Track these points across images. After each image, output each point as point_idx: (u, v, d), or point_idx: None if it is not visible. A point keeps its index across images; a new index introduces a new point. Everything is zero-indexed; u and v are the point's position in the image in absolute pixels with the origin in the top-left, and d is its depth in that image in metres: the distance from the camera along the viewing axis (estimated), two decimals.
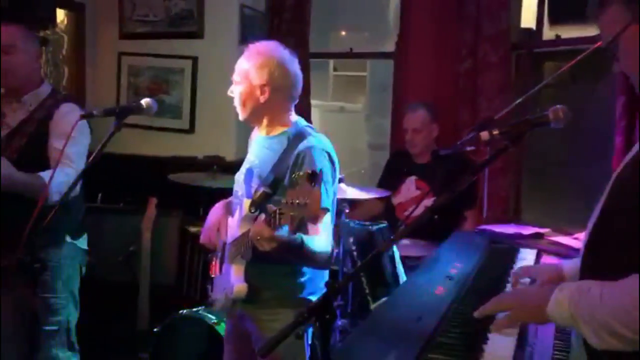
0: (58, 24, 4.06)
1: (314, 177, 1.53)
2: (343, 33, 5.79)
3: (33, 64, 2.51)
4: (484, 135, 1.53)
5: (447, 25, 3.56)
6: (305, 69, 4.09)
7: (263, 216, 1.71)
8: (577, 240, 2.65)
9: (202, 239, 2.19)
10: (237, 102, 2.06)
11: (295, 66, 2.06)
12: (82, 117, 2.23)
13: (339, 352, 1.34)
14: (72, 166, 2.39)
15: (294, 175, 1.60)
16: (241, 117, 2.09)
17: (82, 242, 2.63)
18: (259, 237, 1.71)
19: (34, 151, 2.42)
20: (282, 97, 2.03)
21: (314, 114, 4.55)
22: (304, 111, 3.94)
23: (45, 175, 2.30)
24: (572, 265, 1.55)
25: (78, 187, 2.46)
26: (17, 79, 2.46)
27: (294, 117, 2.10)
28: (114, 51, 4.26)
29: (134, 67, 4.22)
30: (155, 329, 2.88)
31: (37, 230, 2.03)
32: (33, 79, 2.52)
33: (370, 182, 3.58)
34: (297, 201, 1.52)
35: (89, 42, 4.26)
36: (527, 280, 1.62)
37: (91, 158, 2.05)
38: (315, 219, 1.53)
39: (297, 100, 2.10)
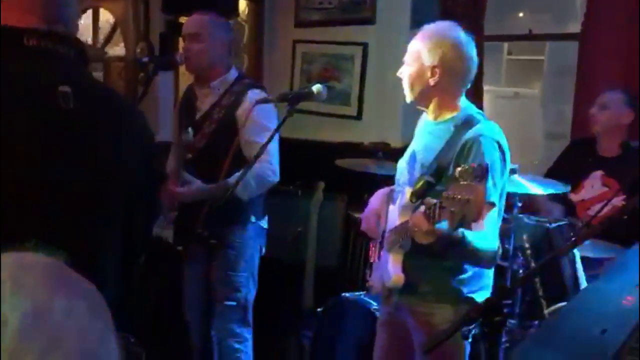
0: (240, 14, 4.32)
1: (481, 172, 1.43)
2: (521, 14, 5.45)
3: (218, 51, 2.58)
4: None
5: None
6: (479, 53, 3.92)
7: (423, 208, 1.65)
8: None
9: (363, 226, 2.19)
10: (405, 84, 2.00)
11: (471, 49, 1.95)
12: (258, 102, 2.33)
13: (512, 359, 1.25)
14: (270, 161, 2.50)
15: (459, 168, 1.51)
16: (408, 99, 2.03)
17: (264, 222, 2.75)
18: (416, 229, 1.66)
19: (222, 138, 2.53)
20: (453, 81, 1.94)
21: (486, 99, 4.34)
22: (476, 96, 3.77)
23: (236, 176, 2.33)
24: None
25: (276, 176, 2.55)
26: (202, 65, 2.58)
27: (463, 102, 1.99)
28: (289, 39, 4.42)
29: (308, 54, 4.34)
30: (319, 309, 2.96)
31: (218, 208, 2.18)
32: (219, 66, 2.61)
33: (543, 174, 3.31)
34: (460, 196, 1.44)
35: (266, 31, 4.46)
36: None
37: (265, 142, 2.14)
38: (478, 218, 1.44)
39: (468, 86, 1.99)
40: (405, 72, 1.99)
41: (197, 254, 2.68)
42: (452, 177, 1.79)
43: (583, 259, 2.51)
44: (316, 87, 2.13)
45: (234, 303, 2.67)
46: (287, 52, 4.43)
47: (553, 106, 5.57)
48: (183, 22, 3.73)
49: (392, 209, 2.07)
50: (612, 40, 3.30)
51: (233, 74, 2.65)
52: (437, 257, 1.85)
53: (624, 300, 1.45)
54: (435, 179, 1.84)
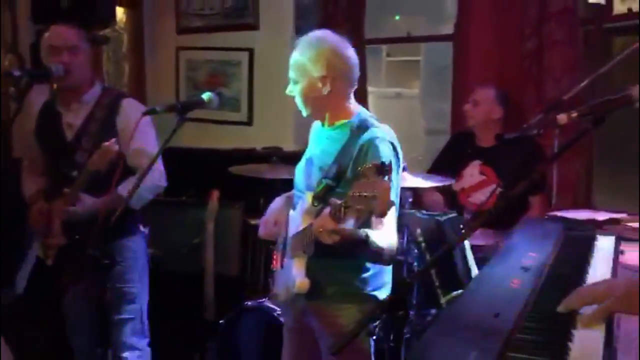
0: (117, 22, 4.14)
1: (383, 169, 1.48)
2: (397, 18, 5.67)
3: (90, 64, 2.58)
4: (562, 118, 1.45)
5: (509, 2, 3.42)
6: (361, 56, 4.05)
7: (327, 209, 1.67)
8: None
9: (260, 233, 2.19)
10: (299, 100, 2.01)
11: (350, 50, 2.01)
12: (145, 113, 2.26)
13: (416, 351, 1.30)
14: (158, 167, 2.48)
15: (360, 167, 1.55)
16: (305, 114, 2.05)
17: (147, 231, 2.71)
18: (321, 230, 1.68)
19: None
20: (344, 86, 1.99)
21: (370, 100, 4.48)
22: (361, 98, 3.87)
23: (126, 185, 2.34)
24: None
25: (160, 175, 2.52)
26: (78, 79, 2.52)
27: (356, 106, 2.05)
28: (172, 46, 4.32)
29: (192, 61, 4.27)
30: (221, 320, 2.91)
31: (109, 225, 2.09)
32: (90, 79, 2.58)
33: (427, 168, 3.48)
34: (366, 194, 1.47)
35: (147, 39, 4.33)
36: None
37: (156, 153, 2.08)
38: (384, 213, 1.48)
39: (356, 86, 2.05)
40: (296, 90, 2.00)
41: (81, 274, 2.56)
42: (351, 179, 1.84)
43: (473, 246, 2.67)
44: (207, 95, 2.10)
45: (132, 315, 2.61)
46: (171, 60, 4.33)
47: (432, 104, 5.83)
48: None
49: (292, 214, 2.07)
50: (483, 40, 3.53)
51: (98, 86, 2.62)
52: (340, 259, 1.88)
53: (511, 283, 1.55)
54: (335, 181, 1.87)
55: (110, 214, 2.12)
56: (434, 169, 3.29)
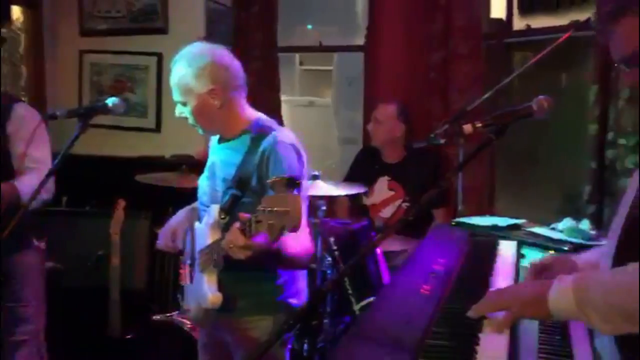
0: (14, 22, 3.89)
1: (293, 182, 1.46)
2: (309, 27, 5.72)
3: None
4: (467, 128, 1.49)
5: (417, 16, 3.54)
6: (273, 64, 4.06)
7: (237, 224, 1.63)
8: (554, 231, 2.64)
9: (158, 244, 2.10)
10: (192, 120, 1.94)
11: (229, 56, 1.96)
12: (46, 118, 2.13)
13: None
14: (44, 170, 2.29)
15: (271, 180, 1.52)
16: (202, 132, 1.99)
17: (44, 244, 2.54)
18: (232, 246, 1.63)
19: None
20: (233, 94, 1.93)
21: (284, 109, 4.47)
22: (274, 107, 3.87)
23: (17, 183, 2.22)
24: (586, 258, 1.52)
25: (52, 189, 2.39)
26: None
27: (252, 113, 2.00)
28: (75, 49, 4.11)
29: (97, 65, 4.08)
30: (128, 336, 2.78)
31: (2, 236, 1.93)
32: None
33: (341, 177, 3.52)
34: (277, 208, 1.44)
35: (47, 40, 4.10)
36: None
37: (57, 160, 1.96)
38: (298, 227, 1.46)
39: (245, 91, 2.00)
40: (187, 111, 1.93)
41: None
42: (257, 187, 1.80)
43: (386, 252, 2.71)
44: (111, 100, 1.99)
45: (25, 337, 2.43)
46: (73, 63, 4.12)
47: (345, 113, 5.93)
48: None
49: (198, 227, 2.00)
50: (392, 52, 3.62)
51: None
52: (251, 270, 1.83)
53: (422, 289, 1.58)
54: (241, 191, 1.83)
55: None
56: (348, 182, 3.34)
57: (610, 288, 1.08)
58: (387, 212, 3.26)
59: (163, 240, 2.08)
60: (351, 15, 5.13)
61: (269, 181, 1.52)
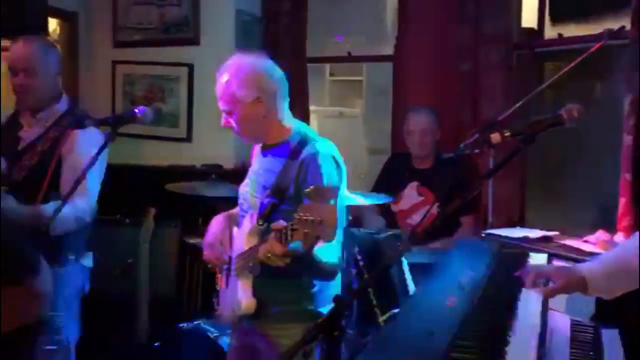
0: (50, 34, 4.00)
1: (328, 192, 1.46)
2: (339, 38, 5.74)
3: (51, 82, 2.40)
4: (495, 137, 1.47)
5: (446, 26, 3.51)
6: (302, 74, 4.07)
7: (273, 234, 1.65)
8: (587, 244, 2.58)
9: (206, 256, 2.08)
10: (239, 130, 1.96)
11: (272, 65, 1.99)
12: (74, 127, 2.17)
13: None
14: (85, 196, 2.29)
15: (308, 189, 1.54)
16: (246, 141, 2.02)
17: (87, 261, 2.55)
18: (269, 255, 1.66)
19: (42, 172, 2.32)
20: (277, 103, 1.96)
21: (313, 119, 4.48)
22: (303, 117, 3.88)
23: (52, 206, 2.19)
24: (593, 267, 1.49)
25: (89, 216, 2.38)
26: (36, 100, 2.38)
27: (294, 122, 2.03)
28: (108, 60, 4.20)
29: (129, 76, 4.16)
30: (155, 343, 2.80)
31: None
32: (52, 95, 2.41)
33: (369, 187, 3.50)
34: (312, 217, 1.45)
35: (82, 52, 4.19)
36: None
37: (85, 168, 1.99)
38: (332, 237, 1.48)
39: (288, 100, 2.02)
40: (234, 120, 1.94)
41: None
42: (295, 196, 1.82)
43: (414, 265, 2.67)
44: (140, 109, 2.02)
45: (54, 347, 2.44)
46: (107, 74, 4.20)
47: (374, 123, 5.92)
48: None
49: (236, 233, 2.03)
50: (422, 61, 3.60)
51: (63, 104, 2.45)
52: (286, 278, 1.85)
53: (447, 302, 1.55)
54: (279, 199, 1.84)
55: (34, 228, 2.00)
56: (375, 191, 3.31)
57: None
58: (414, 219, 3.22)
59: (210, 251, 2.07)
60: (380, 25, 5.12)
61: (306, 190, 1.54)
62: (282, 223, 1.61)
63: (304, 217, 1.48)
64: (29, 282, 1.10)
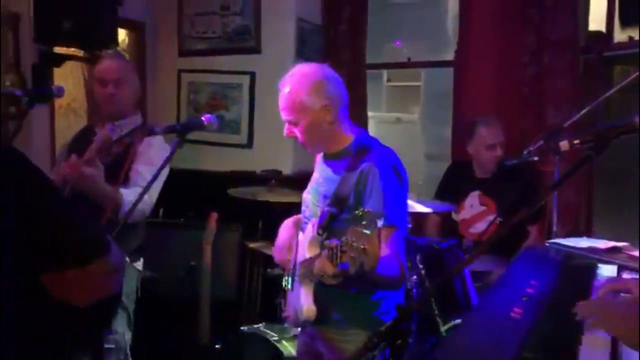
0: (119, 44, 4.16)
1: (374, 220, 1.47)
2: (397, 43, 5.71)
3: (135, 96, 2.67)
4: (564, 145, 1.44)
5: (508, 30, 3.44)
6: (361, 80, 4.08)
7: (325, 252, 1.68)
8: None
9: (277, 258, 2.15)
10: (304, 139, 1.97)
11: (334, 73, 2.00)
12: (144, 134, 2.25)
13: None
14: (150, 199, 2.46)
15: (356, 212, 1.54)
16: (311, 150, 2.04)
17: (139, 264, 2.66)
18: (322, 274, 1.69)
19: (115, 171, 2.45)
20: (341, 110, 1.98)
21: (370, 125, 4.47)
22: (361, 123, 3.89)
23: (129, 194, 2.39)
24: None
25: (149, 209, 2.51)
26: (119, 110, 2.58)
27: (353, 130, 2.03)
28: (174, 69, 4.33)
29: (194, 84, 4.28)
30: (217, 345, 2.86)
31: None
32: (131, 107, 2.65)
33: (427, 194, 3.47)
34: (357, 244, 1.47)
35: (149, 61, 4.34)
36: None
37: (154, 174, 2.07)
38: (374, 268, 1.49)
39: (348, 107, 2.03)
40: (299, 129, 1.95)
41: None
42: (354, 206, 1.83)
43: (472, 272, 2.63)
44: (206, 117, 2.09)
45: (111, 345, 2.54)
46: (172, 82, 4.34)
47: (432, 129, 5.85)
48: (59, 52, 3.54)
49: (301, 238, 2.06)
50: (483, 67, 3.54)
51: (138, 118, 2.65)
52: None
53: (512, 313, 1.52)
54: (338, 209, 1.86)
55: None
56: (438, 198, 3.28)
57: None
58: (478, 228, 3.17)
59: (280, 255, 2.13)
60: (441, 30, 5.07)
61: (357, 212, 1.54)
62: (334, 242, 1.63)
63: (351, 242, 1.50)
64: (105, 258, 1.16)
